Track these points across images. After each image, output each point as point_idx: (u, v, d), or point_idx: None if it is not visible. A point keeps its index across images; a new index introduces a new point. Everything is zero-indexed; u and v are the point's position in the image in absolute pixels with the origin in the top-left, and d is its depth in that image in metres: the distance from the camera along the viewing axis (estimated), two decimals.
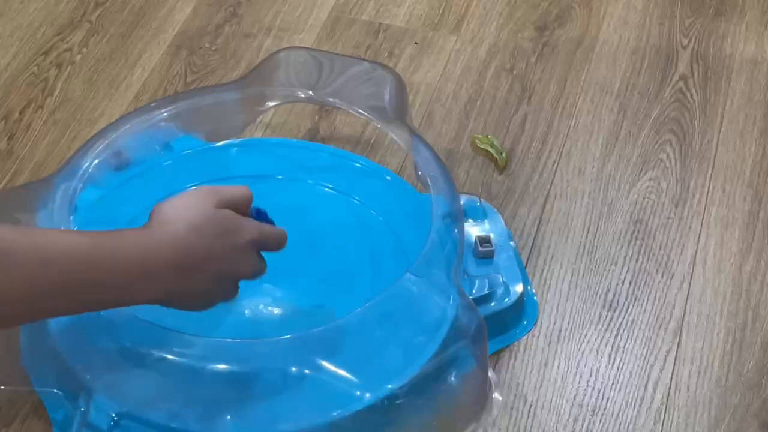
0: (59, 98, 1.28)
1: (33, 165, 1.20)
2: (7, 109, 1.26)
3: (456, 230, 0.99)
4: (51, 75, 1.30)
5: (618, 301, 1.08)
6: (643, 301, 1.08)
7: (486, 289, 1.02)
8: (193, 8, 1.39)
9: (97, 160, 1.03)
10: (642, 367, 1.03)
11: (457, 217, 1.00)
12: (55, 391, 0.96)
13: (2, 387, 0.98)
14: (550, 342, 1.05)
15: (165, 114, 1.08)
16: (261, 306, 0.99)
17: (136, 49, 1.34)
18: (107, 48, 1.34)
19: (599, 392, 1.02)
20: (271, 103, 1.16)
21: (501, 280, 1.03)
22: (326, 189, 1.09)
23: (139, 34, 1.36)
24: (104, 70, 1.31)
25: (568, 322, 1.07)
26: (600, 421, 1.00)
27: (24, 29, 1.36)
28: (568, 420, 1.00)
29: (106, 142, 1.04)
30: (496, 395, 0.98)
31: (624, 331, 1.06)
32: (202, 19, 1.37)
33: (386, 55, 1.32)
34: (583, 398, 1.01)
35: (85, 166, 1.02)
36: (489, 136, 1.22)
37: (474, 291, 1.01)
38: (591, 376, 1.03)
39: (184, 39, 1.35)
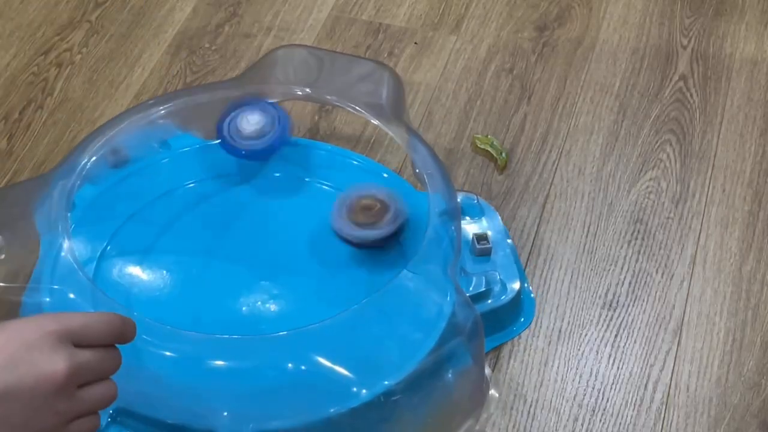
0: (59, 98, 1.28)
1: (33, 165, 1.20)
2: (7, 109, 1.26)
3: (453, 227, 0.99)
4: (51, 75, 1.30)
5: (618, 301, 1.08)
6: (643, 301, 1.08)
7: (483, 286, 1.01)
8: (193, 8, 1.39)
9: (94, 158, 1.03)
10: (642, 367, 1.03)
11: (454, 214, 1.00)
12: None
13: None
14: (549, 342, 1.05)
15: (163, 111, 1.08)
16: (258, 302, 0.99)
17: (136, 49, 1.34)
18: (107, 48, 1.34)
19: (599, 392, 1.01)
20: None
21: (498, 277, 1.02)
22: (324, 186, 1.09)
23: (139, 34, 1.36)
24: (104, 70, 1.31)
25: (568, 322, 1.06)
26: (600, 421, 0.99)
27: (24, 29, 1.36)
28: (568, 420, 0.99)
29: (104, 139, 1.04)
30: (492, 392, 0.98)
31: (624, 331, 1.06)
32: (202, 19, 1.37)
33: (386, 55, 1.32)
34: (583, 398, 1.01)
35: (82, 163, 1.02)
36: (489, 136, 1.22)
37: (471, 288, 1.00)
38: (591, 376, 1.02)
39: (184, 39, 1.35)
